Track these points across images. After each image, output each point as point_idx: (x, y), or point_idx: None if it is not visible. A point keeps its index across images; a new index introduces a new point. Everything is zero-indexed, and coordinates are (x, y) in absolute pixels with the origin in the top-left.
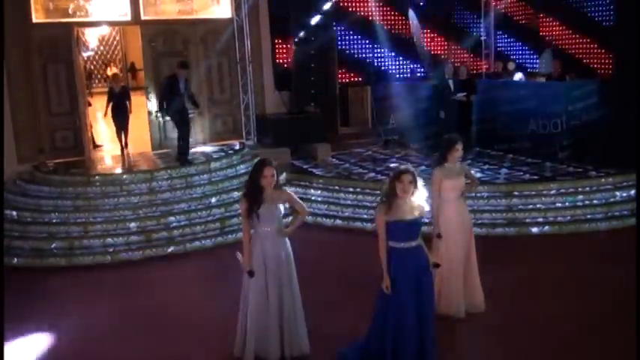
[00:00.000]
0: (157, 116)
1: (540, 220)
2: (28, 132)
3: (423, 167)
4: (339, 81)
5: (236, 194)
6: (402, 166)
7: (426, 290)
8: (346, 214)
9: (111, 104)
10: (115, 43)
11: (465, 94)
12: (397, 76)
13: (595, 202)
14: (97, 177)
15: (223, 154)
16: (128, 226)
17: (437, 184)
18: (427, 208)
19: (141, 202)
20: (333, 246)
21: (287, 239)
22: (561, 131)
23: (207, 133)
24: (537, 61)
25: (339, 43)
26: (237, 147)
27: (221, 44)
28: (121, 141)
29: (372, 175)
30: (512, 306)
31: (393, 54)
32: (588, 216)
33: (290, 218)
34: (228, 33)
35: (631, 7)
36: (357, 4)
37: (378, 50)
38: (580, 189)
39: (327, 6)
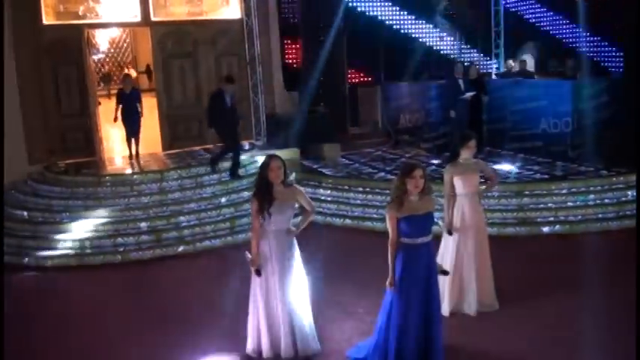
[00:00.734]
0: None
1: (551, 219)
2: (39, 133)
3: (433, 167)
4: (349, 81)
5: (246, 194)
6: (411, 162)
7: (433, 289)
8: (356, 213)
9: (120, 107)
10: (125, 45)
11: (473, 93)
12: None
13: (606, 201)
14: (107, 177)
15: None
16: (138, 225)
17: (448, 181)
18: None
19: (151, 202)
20: (342, 246)
21: (294, 238)
22: (572, 130)
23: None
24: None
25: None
26: (247, 147)
27: (230, 45)
28: (130, 148)
29: (381, 174)
30: (524, 305)
31: None
32: (599, 215)
33: (299, 218)
34: (237, 34)
35: None
36: None
37: None
38: (591, 188)
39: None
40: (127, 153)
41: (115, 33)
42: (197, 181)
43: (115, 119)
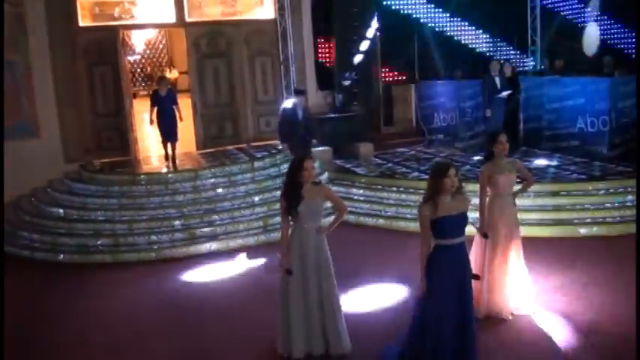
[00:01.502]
0: None
1: (589, 220)
2: (74, 132)
3: (468, 167)
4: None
5: (279, 193)
6: (444, 161)
7: (467, 290)
8: (389, 213)
9: (155, 110)
10: (160, 46)
11: (510, 91)
12: None
13: None
14: (142, 176)
15: (267, 153)
16: (172, 223)
17: (484, 180)
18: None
19: (185, 201)
20: (375, 245)
21: (325, 237)
22: (610, 129)
23: (250, 133)
24: None
25: None
26: (280, 146)
27: (264, 45)
28: (166, 150)
29: (415, 174)
30: (560, 309)
31: None
32: None
33: (331, 218)
34: (271, 33)
35: None
36: None
37: None
38: (630, 189)
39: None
40: (163, 153)
41: (151, 34)
42: (230, 179)
43: (152, 122)
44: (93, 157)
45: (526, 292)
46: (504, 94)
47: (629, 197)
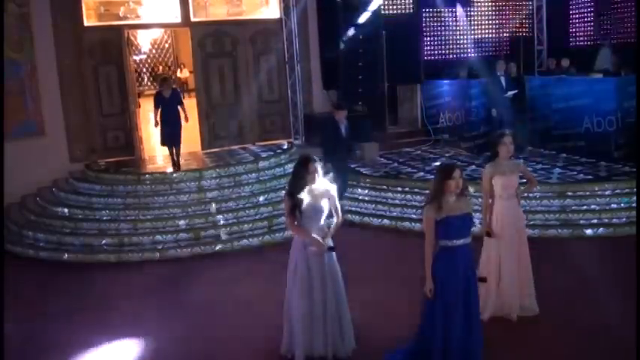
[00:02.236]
0: None
1: (595, 221)
2: (80, 132)
3: (473, 166)
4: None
5: (284, 193)
6: (449, 162)
7: (473, 290)
8: (394, 213)
9: (159, 111)
10: (166, 45)
11: (516, 91)
12: None
13: None
14: (147, 176)
15: (272, 153)
16: (177, 223)
17: (487, 181)
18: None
19: (190, 201)
20: (380, 246)
21: (330, 238)
22: (617, 129)
23: (255, 133)
24: None
25: None
26: (286, 146)
27: (269, 44)
28: (172, 155)
29: (421, 174)
30: (565, 310)
31: None
32: None
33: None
34: (276, 33)
35: None
36: None
37: None
38: (636, 189)
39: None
40: (168, 152)
41: (157, 34)
42: (235, 179)
43: (157, 124)
44: (98, 157)
45: (531, 293)
46: (510, 93)
47: (636, 198)
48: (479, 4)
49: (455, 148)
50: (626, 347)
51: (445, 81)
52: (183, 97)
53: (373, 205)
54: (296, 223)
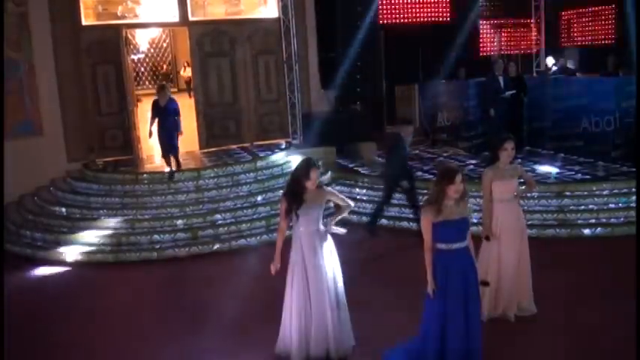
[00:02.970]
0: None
1: (593, 221)
2: (77, 131)
3: (471, 166)
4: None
5: (281, 192)
6: (449, 166)
7: (472, 292)
8: (392, 213)
9: (156, 121)
10: (165, 45)
11: (513, 92)
12: None
13: None
14: (144, 175)
15: (270, 152)
16: (175, 223)
17: (487, 185)
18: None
19: (188, 200)
20: (378, 245)
21: (330, 238)
22: (615, 129)
23: (253, 132)
24: None
25: None
26: (284, 146)
27: (267, 44)
28: (170, 165)
29: (419, 174)
30: (563, 310)
31: None
32: None
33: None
34: (274, 32)
35: None
36: None
37: None
38: (634, 189)
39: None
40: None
41: (155, 33)
42: (233, 179)
43: (150, 134)
44: (96, 156)
45: (529, 294)
46: (508, 94)
47: (634, 198)
48: None
49: (452, 148)
50: (625, 347)
51: (443, 81)
52: (189, 96)
53: (371, 205)
54: (291, 224)
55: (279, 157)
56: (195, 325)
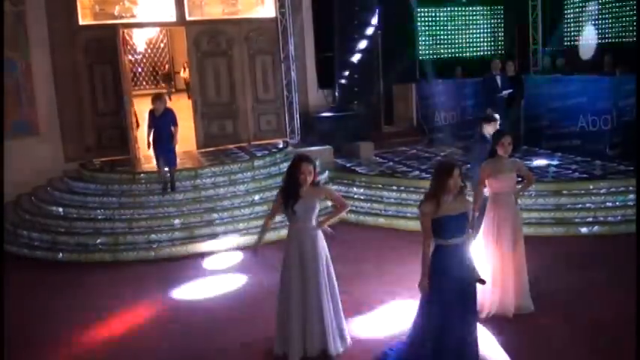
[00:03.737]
0: None
1: (590, 219)
2: (75, 131)
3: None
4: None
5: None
6: (448, 160)
7: (469, 290)
8: (389, 212)
9: (152, 132)
10: (162, 45)
11: (510, 90)
12: None
13: None
14: (142, 175)
15: (267, 152)
16: (172, 222)
17: (484, 178)
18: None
19: (185, 199)
20: (375, 244)
21: (321, 235)
22: (611, 128)
23: (251, 132)
24: None
25: None
26: (281, 145)
27: (265, 43)
28: (165, 180)
29: (416, 173)
30: (560, 308)
31: None
32: None
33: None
34: (272, 32)
35: None
36: None
37: None
38: (631, 187)
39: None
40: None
41: (152, 33)
42: (230, 178)
43: (149, 145)
44: (93, 156)
45: (526, 291)
46: (505, 93)
47: (631, 196)
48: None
49: (450, 147)
50: (624, 345)
51: (440, 80)
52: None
53: (369, 204)
54: (288, 218)
55: (276, 156)
56: (192, 324)
